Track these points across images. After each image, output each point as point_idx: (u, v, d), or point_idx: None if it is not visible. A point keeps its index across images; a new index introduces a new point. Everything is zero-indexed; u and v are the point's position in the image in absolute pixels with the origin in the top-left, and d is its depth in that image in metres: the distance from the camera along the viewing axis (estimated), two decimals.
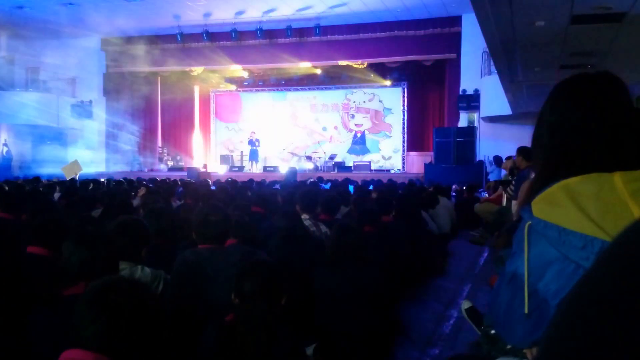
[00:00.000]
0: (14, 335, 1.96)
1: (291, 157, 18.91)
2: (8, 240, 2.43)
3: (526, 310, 1.11)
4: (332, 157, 18.68)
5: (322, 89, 20.68)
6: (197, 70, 18.89)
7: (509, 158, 11.10)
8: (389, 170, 18.26)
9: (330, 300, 3.04)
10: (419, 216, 5.67)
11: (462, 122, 16.17)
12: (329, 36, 17.03)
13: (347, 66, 17.87)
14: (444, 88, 17.79)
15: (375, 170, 18.11)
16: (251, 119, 21.34)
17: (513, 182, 5.69)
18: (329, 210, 4.82)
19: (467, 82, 15.81)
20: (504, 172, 10.24)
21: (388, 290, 3.34)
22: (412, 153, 18.48)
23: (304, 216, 4.45)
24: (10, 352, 1.91)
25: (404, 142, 19.68)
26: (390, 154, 19.99)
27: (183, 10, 16.05)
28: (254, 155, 19.11)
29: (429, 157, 16.18)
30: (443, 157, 14.47)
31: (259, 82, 20.78)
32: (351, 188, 9.01)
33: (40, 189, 7.94)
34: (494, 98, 13.88)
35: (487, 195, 9.69)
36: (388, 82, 19.43)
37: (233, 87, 21.34)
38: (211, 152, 21.82)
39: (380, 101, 20.21)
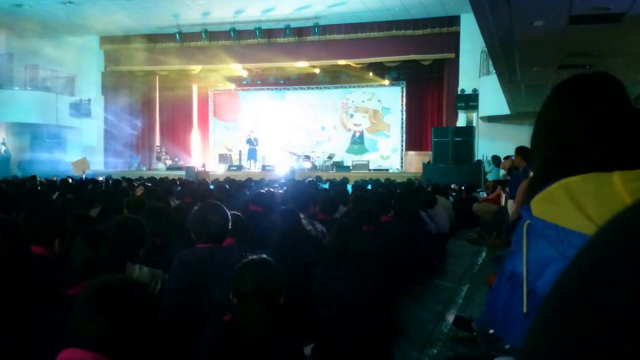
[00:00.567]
0: (17, 335, 1.96)
1: (290, 157, 18.91)
2: (9, 239, 2.42)
3: (525, 310, 1.12)
4: (330, 157, 18.69)
5: (320, 88, 20.69)
6: (196, 69, 18.87)
7: (507, 158, 11.11)
8: (387, 170, 18.27)
9: (328, 299, 3.04)
10: (418, 216, 5.68)
11: (461, 121, 16.18)
12: (327, 35, 17.02)
13: (346, 65, 17.87)
14: (442, 88, 17.81)
15: (373, 169, 18.12)
16: (250, 118, 21.34)
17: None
18: (327, 210, 4.83)
19: (466, 82, 15.81)
20: (502, 171, 10.26)
21: (386, 290, 3.34)
22: (411, 152, 18.49)
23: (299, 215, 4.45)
24: (12, 352, 1.91)
25: (402, 141, 19.70)
26: (388, 153, 20.00)
27: (182, 9, 16.03)
28: (252, 155, 19.09)
29: (427, 156, 16.19)
30: (441, 157, 14.48)
31: (258, 82, 20.78)
32: (349, 187, 9.02)
33: (39, 188, 7.93)
34: (493, 98, 13.87)
35: (485, 195, 9.70)
36: (386, 82, 19.45)
37: (232, 86, 21.34)
38: (210, 151, 21.81)
39: (379, 101, 20.22)
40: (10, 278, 2.19)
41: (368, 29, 16.71)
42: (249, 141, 19.07)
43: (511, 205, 5.44)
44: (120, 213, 4.14)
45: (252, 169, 18.53)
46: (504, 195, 7.39)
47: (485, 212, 8.04)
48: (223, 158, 19.67)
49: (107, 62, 19.31)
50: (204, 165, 17.95)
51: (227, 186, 7.69)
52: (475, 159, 14.77)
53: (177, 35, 17.77)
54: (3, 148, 18.16)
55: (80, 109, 18.62)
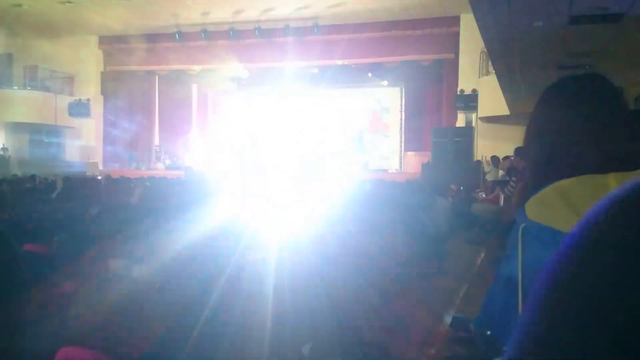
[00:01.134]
0: (9, 334, 1.95)
1: (289, 156, 18.89)
2: (4, 238, 2.41)
3: (521, 313, 1.11)
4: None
5: (320, 88, 20.67)
6: (196, 69, 18.86)
7: (506, 158, 11.12)
8: (386, 170, 18.26)
9: (327, 299, 3.03)
10: (416, 216, 5.67)
11: (460, 122, 16.18)
12: (327, 36, 17.01)
13: (346, 66, 17.85)
14: (442, 88, 17.78)
15: (372, 170, 18.10)
16: (249, 118, 21.31)
17: (510, 182, 5.70)
18: None
19: (465, 82, 15.81)
20: (501, 172, 10.26)
21: (385, 290, 3.34)
22: (410, 153, 18.46)
23: None
24: (5, 351, 1.90)
25: (401, 142, 19.68)
26: (388, 153, 19.98)
27: (181, 9, 16.02)
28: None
29: (426, 157, 16.17)
30: (441, 157, 14.47)
31: (257, 82, 20.75)
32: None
33: (38, 187, 7.94)
34: (492, 98, 13.87)
35: (484, 195, 9.71)
36: (386, 82, 19.42)
37: (231, 86, 21.31)
38: (210, 151, 21.78)
39: (378, 101, 20.20)
40: (3, 277, 2.19)
41: (368, 29, 16.70)
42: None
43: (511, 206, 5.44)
44: (119, 212, 4.14)
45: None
46: (502, 195, 7.40)
47: (484, 213, 8.04)
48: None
49: (107, 62, 19.30)
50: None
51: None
52: (475, 160, 14.78)
53: (177, 35, 17.76)
54: (2, 147, 18.16)
55: (79, 109, 18.61)
